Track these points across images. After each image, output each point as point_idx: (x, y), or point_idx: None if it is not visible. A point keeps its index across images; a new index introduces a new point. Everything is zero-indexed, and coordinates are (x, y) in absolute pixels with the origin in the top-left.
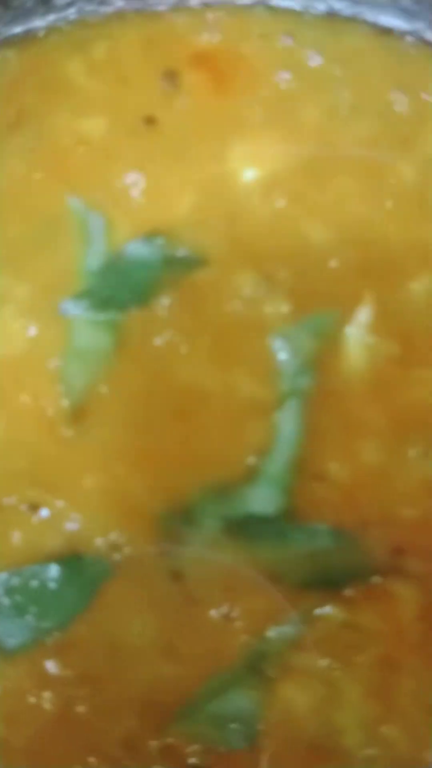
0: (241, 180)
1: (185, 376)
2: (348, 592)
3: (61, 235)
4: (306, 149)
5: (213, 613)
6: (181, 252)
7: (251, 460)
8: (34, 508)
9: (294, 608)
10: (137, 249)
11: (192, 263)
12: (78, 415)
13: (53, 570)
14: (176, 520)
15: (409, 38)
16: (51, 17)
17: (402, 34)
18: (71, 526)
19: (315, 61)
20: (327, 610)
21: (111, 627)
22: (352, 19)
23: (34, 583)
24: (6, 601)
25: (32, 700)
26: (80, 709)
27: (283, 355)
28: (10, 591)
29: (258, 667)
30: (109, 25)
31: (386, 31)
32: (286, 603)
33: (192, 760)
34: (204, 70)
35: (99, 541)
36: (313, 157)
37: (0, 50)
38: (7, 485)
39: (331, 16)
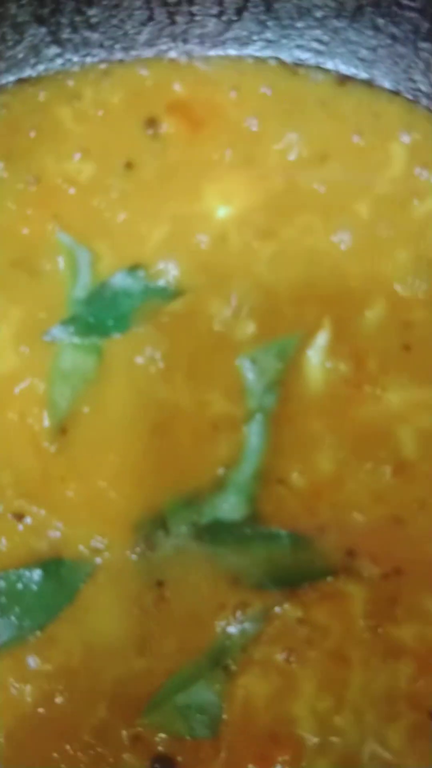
0: (214, 216)
1: (161, 395)
2: (304, 591)
3: (50, 265)
4: (273, 188)
5: (181, 611)
6: (160, 283)
7: (220, 471)
8: (19, 517)
9: (253, 606)
10: (120, 280)
11: (169, 293)
12: (61, 431)
13: (36, 573)
14: (151, 527)
15: (366, 85)
16: (41, 67)
17: (360, 81)
18: (54, 533)
19: (282, 106)
20: (284, 608)
21: (88, 625)
22: (315, 68)
23: (19, 586)
24: None
25: (14, 692)
26: (57, 700)
27: (250, 375)
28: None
29: (220, 662)
30: (94, 74)
31: (346, 79)
32: (246, 601)
33: (159, 749)
34: (180, 117)
35: (80, 547)
36: (279, 194)
37: None
38: None
39: (297, 65)
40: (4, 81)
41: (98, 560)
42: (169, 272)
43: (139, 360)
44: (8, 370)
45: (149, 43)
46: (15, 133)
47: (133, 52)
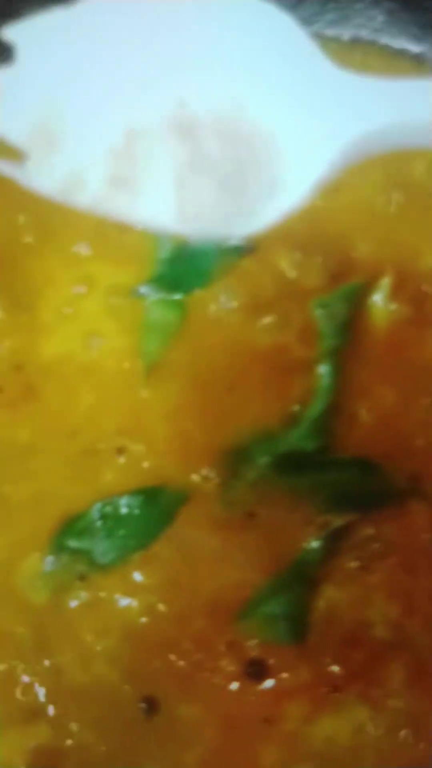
0: None
1: (240, 342)
2: (375, 511)
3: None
4: None
5: (267, 530)
6: (233, 241)
7: (295, 408)
8: (121, 451)
9: (331, 525)
10: (198, 241)
11: (243, 250)
12: (153, 377)
13: (138, 499)
14: (235, 460)
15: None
16: None
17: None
18: (150, 465)
19: None
20: (358, 526)
21: (186, 544)
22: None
23: (123, 511)
24: (100, 525)
25: (121, 605)
26: (160, 611)
27: (322, 319)
28: (103, 517)
29: (304, 574)
30: None
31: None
32: (325, 521)
33: (252, 654)
34: None
35: (173, 477)
36: None
37: None
38: (100, 434)
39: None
40: None
41: (190, 489)
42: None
43: (220, 311)
44: (104, 325)
45: None
46: None
47: None
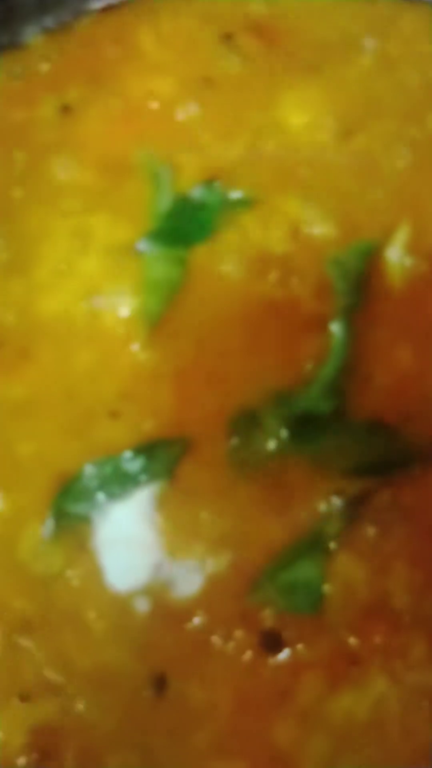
0: (290, 124)
1: (248, 297)
2: (393, 476)
3: (133, 181)
4: (346, 95)
5: (280, 496)
6: (237, 193)
7: (309, 367)
8: (119, 414)
9: (348, 491)
10: (199, 193)
11: (246, 202)
12: (154, 337)
13: (135, 455)
14: (245, 424)
15: None
16: None
17: None
18: (149, 429)
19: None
20: (376, 491)
21: (189, 509)
22: None
23: (121, 469)
24: (97, 486)
25: None
26: None
27: (336, 276)
28: (100, 478)
29: (321, 542)
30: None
31: None
32: (342, 488)
33: (266, 624)
34: (256, 35)
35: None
36: (353, 102)
37: (77, 22)
38: (98, 396)
39: None
40: (86, 9)
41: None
42: (247, 182)
43: (224, 266)
44: (101, 281)
45: None
46: (99, 56)
47: None
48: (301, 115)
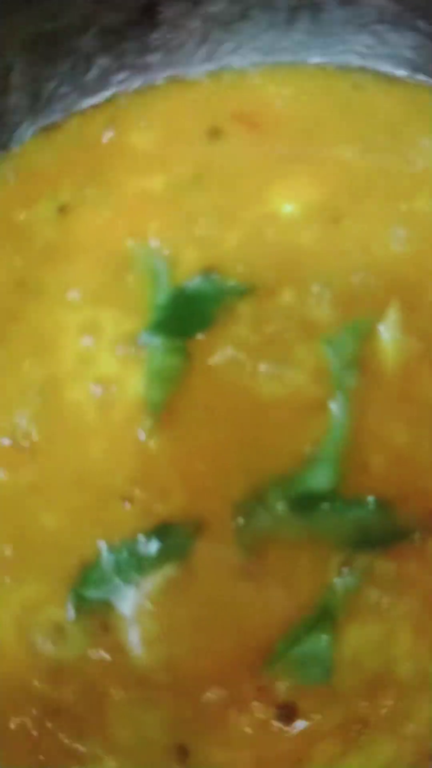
0: (281, 214)
1: (249, 383)
2: (395, 548)
3: (132, 275)
4: (334, 182)
5: (286, 572)
6: (235, 283)
7: (309, 448)
8: (129, 499)
9: (353, 564)
10: (196, 284)
11: (243, 291)
12: (160, 424)
13: (149, 539)
14: (250, 503)
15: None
16: (108, 92)
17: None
18: (160, 511)
19: (336, 108)
20: (380, 563)
21: (205, 592)
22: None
23: (135, 553)
24: (114, 571)
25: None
26: (184, 661)
27: (331, 356)
28: (117, 563)
29: (328, 614)
30: (158, 93)
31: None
32: (345, 560)
33: (282, 697)
34: (241, 124)
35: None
36: (341, 188)
37: (69, 121)
38: (107, 482)
39: (345, 66)
40: (77, 108)
41: (205, 534)
42: (243, 271)
43: (222, 355)
44: (109, 373)
45: (207, 59)
46: (95, 152)
47: (192, 69)
48: (292, 204)
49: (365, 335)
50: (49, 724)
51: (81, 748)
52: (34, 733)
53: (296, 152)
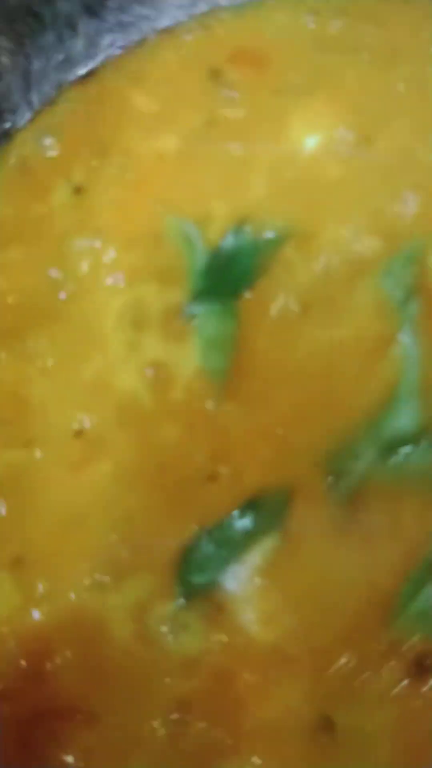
0: (304, 148)
1: (308, 333)
2: None
3: (165, 245)
4: (357, 101)
5: (387, 523)
6: (267, 233)
7: (386, 388)
8: (213, 477)
9: None
10: (231, 242)
11: (280, 239)
12: (227, 393)
13: (243, 513)
14: (338, 458)
15: None
16: (100, 57)
17: None
18: (249, 482)
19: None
20: None
21: (306, 561)
22: None
23: (233, 530)
24: (215, 552)
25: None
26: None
27: (390, 288)
28: (216, 543)
29: None
30: (150, 49)
31: None
32: None
33: (411, 653)
34: (243, 63)
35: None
36: (367, 106)
37: (65, 96)
38: (189, 464)
39: None
40: (70, 79)
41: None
42: (277, 218)
43: (275, 308)
44: (160, 352)
45: (192, 4)
46: (98, 124)
47: (179, 19)
48: (314, 135)
49: (419, 258)
50: (187, 719)
51: (225, 739)
52: (173, 732)
53: (307, 80)
